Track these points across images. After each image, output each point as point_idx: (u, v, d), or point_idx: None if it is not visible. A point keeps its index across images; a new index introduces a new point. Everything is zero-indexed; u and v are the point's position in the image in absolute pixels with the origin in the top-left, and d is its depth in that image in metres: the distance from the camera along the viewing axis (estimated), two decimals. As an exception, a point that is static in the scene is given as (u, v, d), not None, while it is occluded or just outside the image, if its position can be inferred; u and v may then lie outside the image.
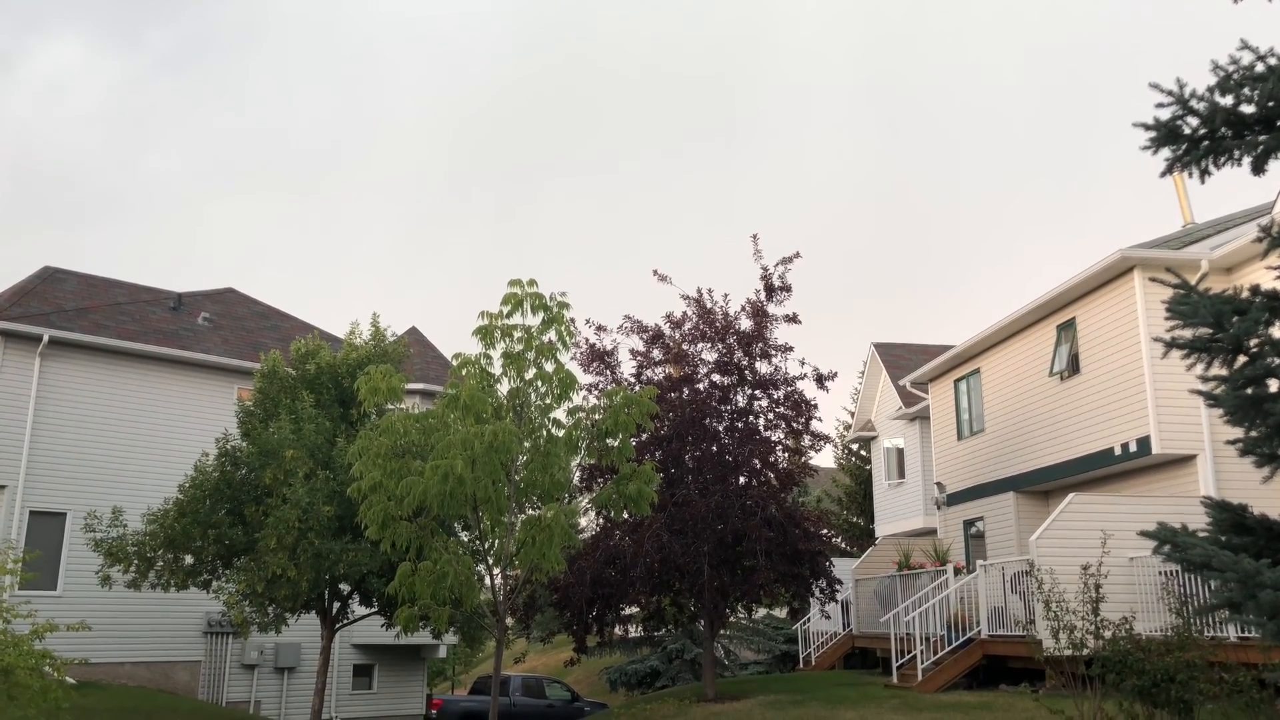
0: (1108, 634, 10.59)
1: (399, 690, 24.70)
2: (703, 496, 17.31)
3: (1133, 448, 16.77)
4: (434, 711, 25.16)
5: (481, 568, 12.36)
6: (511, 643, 42.07)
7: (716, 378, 18.62)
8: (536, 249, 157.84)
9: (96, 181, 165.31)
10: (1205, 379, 5.85)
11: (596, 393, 17.90)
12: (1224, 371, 5.71)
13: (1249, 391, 5.49)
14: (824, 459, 56.53)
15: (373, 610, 17.17)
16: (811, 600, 19.14)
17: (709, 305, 18.98)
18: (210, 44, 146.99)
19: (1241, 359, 5.59)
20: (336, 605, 17.10)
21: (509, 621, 15.43)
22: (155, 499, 17.56)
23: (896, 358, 29.20)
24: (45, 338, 20.40)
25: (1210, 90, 5.56)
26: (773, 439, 18.66)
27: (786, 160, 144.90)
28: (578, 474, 17.03)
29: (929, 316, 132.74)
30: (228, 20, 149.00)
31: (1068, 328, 18.87)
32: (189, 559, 16.18)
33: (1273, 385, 5.61)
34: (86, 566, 18.64)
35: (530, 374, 12.16)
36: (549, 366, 12.15)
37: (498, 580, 12.40)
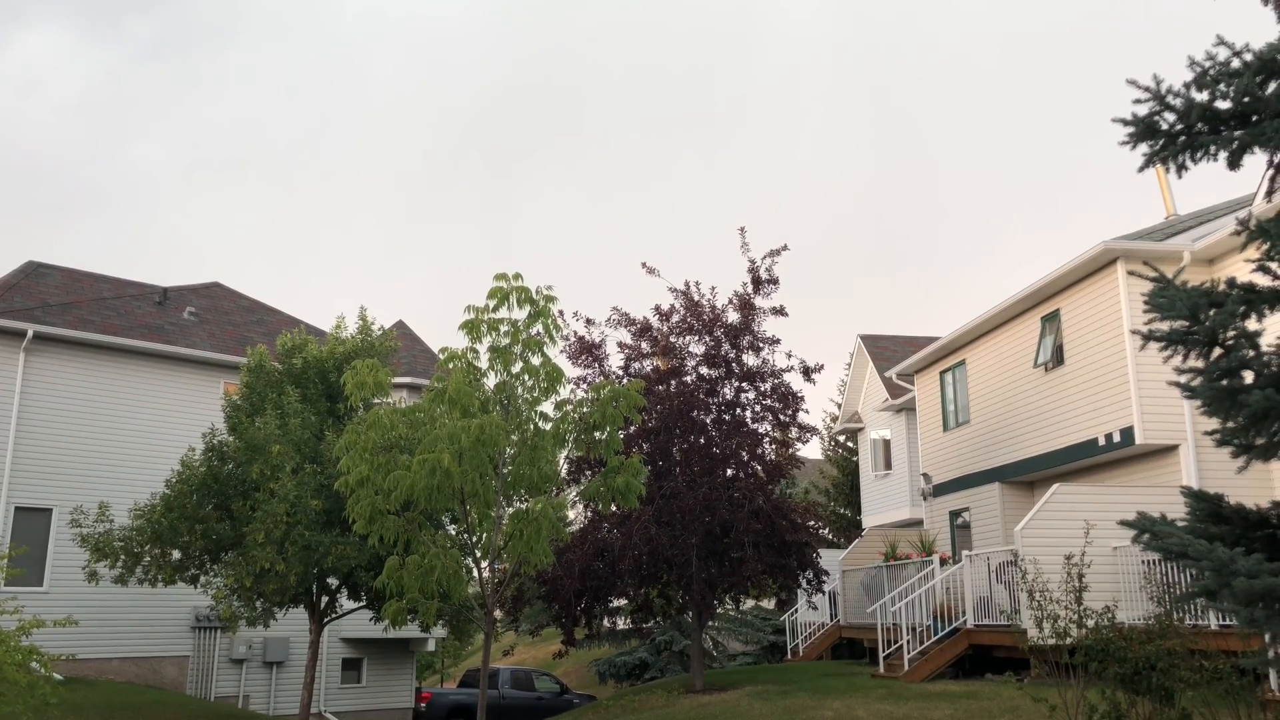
0: (1090, 623, 10.69)
1: (388, 684, 24.73)
2: (690, 489, 17.37)
3: (1116, 438, 16.91)
4: (423, 705, 25.20)
5: (469, 561, 12.39)
6: (500, 636, 42.11)
7: (704, 370, 18.68)
8: (523, 241, 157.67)
9: (79, 174, 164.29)
10: (1182, 371, 5.93)
11: (585, 386, 17.95)
12: (1200, 364, 5.79)
13: (1224, 383, 5.57)
14: (811, 450, 56.84)
15: (361, 604, 17.18)
16: (799, 591, 19.26)
17: (696, 298, 19.04)
18: (190, 34, 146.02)
19: (1217, 351, 5.67)
20: (325, 599, 17.10)
21: (497, 614, 15.48)
22: (142, 494, 17.53)
23: (883, 349, 29.32)
24: (29, 333, 20.31)
25: (1187, 86, 5.63)
26: (760, 431, 18.74)
27: (772, 152, 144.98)
28: (565, 467, 17.07)
29: (915, 308, 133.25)
30: (206, 9, 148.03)
31: (1052, 319, 18.99)
32: (176, 554, 16.16)
33: (1248, 377, 5.69)
34: (73, 562, 18.60)
35: (517, 368, 12.18)
36: (536, 360, 12.17)
37: (485, 573, 12.43)
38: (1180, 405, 16.14)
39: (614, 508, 14.81)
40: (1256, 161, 5.96)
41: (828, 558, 20.86)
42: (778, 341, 18.74)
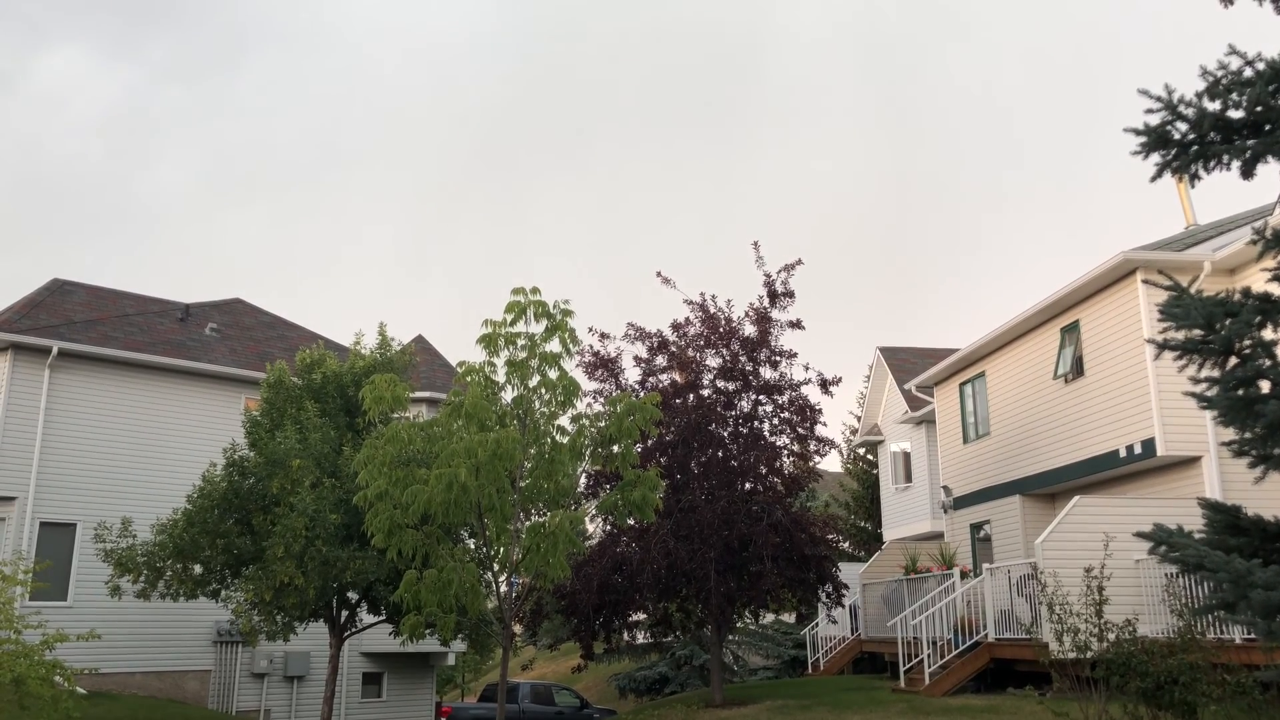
0: (1112, 636, 10.60)
1: (408, 698, 24.75)
2: (709, 502, 17.35)
3: (1138, 450, 16.77)
4: (443, 719, 25.22)
5: (487, 575, 12.42)
6: (519, 650, 42.07)
7: (721, 383, 18.68)
8: (537, 254, 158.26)
9: (101, 192, 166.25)
10: (1197, 381, 5.90)
11: (602, 400, 17.99)
12: (1216, 373, 5.75)
13: (1240, 393, 5.53)
14: (831, 463, 56.56)
15: (380, 618, 17.24)
16: (818, 605, 19.17)
17: (712, 310, 19.06)
18: (206, 53, 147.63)
19: (1233, 361, 5.63)
20: (345, 613, 17.18)
21: (516, 629, 15.48)
22: (164, 509, 17.68)
23: (902, 361, 29.20)
24: (54, 350, 20.55)
25: (1199, 96, 5.62)
26: (778, 444, 18.71)
27: (788, 162, 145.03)
28: (583, 480, 17.09)
29: (935, 320, 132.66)
30: (221, 29, 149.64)
31: (1072, 330, 18.88)
32: (197, 568, 16.28)
33: (1264, 386, 5.64)
34: (96, 577, 18.76)
35: (534, 381, 12.21)
36: (552, 374, 12.21)
37: (503, 587, 12.45)
38: (1202, 416, 15.98)
39: (631, 521, 14.81)
40: (1272, 170, 5.93)
41: (848, 571, 20.76)
42: (794, 355, 18.76)
